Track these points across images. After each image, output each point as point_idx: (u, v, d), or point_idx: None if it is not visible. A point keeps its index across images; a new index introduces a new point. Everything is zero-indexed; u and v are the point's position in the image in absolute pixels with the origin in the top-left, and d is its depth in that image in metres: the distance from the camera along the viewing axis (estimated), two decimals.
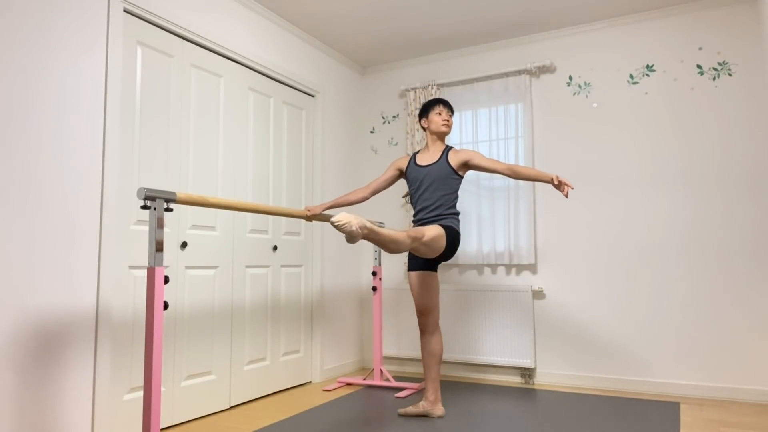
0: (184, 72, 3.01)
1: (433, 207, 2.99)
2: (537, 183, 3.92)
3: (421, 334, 3.02)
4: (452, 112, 3.16)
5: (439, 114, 3.11)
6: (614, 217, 3.68)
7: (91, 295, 2.43)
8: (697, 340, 3.40)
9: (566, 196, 2.76)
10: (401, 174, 3.22)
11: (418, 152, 3.20)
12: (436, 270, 3.03)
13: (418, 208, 3.07)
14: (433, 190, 3.00)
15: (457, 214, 3.04)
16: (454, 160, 3.03)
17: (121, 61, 2.60)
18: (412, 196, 3.13)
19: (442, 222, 2.97)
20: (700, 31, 3.54)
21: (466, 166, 3.04)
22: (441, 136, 3.13)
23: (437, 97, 4.18)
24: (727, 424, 2.78)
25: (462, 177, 3.06)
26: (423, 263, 3.01)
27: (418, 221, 3.06)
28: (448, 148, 3.10)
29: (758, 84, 3.37)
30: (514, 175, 2.90)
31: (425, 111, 3.16)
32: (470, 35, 4.02)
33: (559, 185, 2.77)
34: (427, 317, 2.98)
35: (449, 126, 3.11)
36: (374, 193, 3.27)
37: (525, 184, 3.88)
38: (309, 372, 3.87)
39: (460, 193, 4.12)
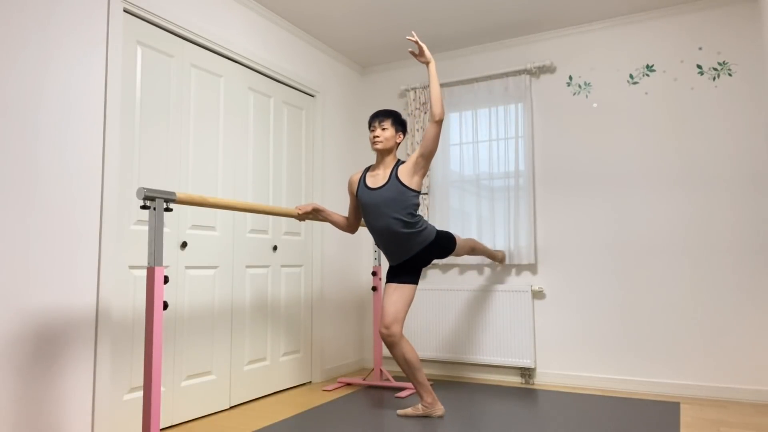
0: (184, 72, 3.01)
1: (402, 239, 2.85)
2: (537, 183, 3.92)
3: (389, 347, 2.86)
4: (391, 119, 2.93)
5: (372, 131, 2.94)
6: (614, 216, 3.68)
7: (91, 295, 2.43)
8: (697, 340, 3.40)
9: (416, 44, 2.77)
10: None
11: (370, 168, 3.01)
12: (417, 283, 2.99)
13: (385, 245, 2.90)
14: (391, 217, 2.83)
15: (424, 220, 2.93)
16: (404, 173, 2.84)
17: (121, 61, 2.60)
18: (368, 223, 2.94)
19: (427, 243, 2.92)
20: (700, 31, 3.54)
21: (419, 167, 2.83)
22: (379, 153, 2.94)
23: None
24: (727, 424, 2.78)
25: (419, 192, 2.86)
26: (410, 278, 2.94)
27: (398, 257, 2.93)
28: (398, 164, 2.90)
29: (758, 84, 3.37)
30: (436, 108, 2.71)
31: None
32: (470, 35, 4.02)
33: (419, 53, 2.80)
34: (392, 330, 2.84)
35: (381, 142, 2.89)
36: (355, 227, 3.17)
37: (529, 185, 3.88)
38: (309, 372, 3.88)
39: (459, 192, 4.12)
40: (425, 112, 4.24)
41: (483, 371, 3.97)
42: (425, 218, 3.76)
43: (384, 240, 2.92)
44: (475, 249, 3.37)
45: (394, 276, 2.97)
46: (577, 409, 3.09)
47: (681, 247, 3.49)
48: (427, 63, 2.80)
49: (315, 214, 3.09)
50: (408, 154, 4.32)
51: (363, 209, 2.96)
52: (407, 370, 2.89)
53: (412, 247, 2.92)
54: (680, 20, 3.60)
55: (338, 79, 4.36)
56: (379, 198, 2.87)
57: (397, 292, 2.91)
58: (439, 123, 2.75)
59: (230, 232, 3.25)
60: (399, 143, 2.98)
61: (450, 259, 4.08)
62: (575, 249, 3.78)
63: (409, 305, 2.91)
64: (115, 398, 2.56)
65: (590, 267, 3.72)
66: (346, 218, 3.17)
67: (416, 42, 2.76)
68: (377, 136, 2.92)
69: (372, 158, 4.56)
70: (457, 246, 3.13)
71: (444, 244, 3.03)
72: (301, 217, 3.04)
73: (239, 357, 3.27)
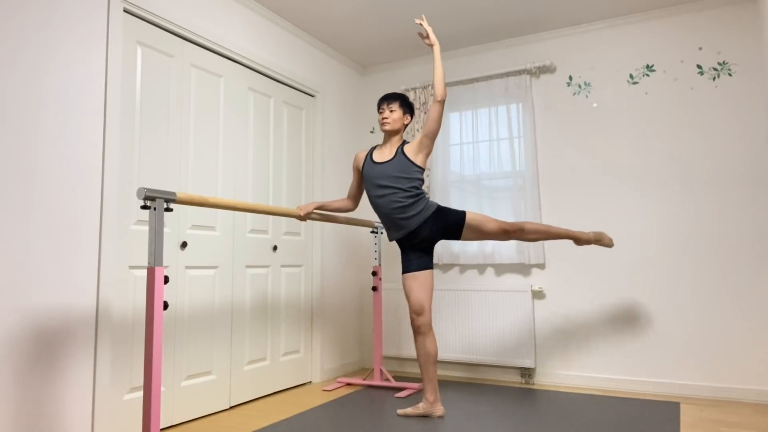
0: (184, 72, 3.01)
1: (404, 209, 2.90)
2: (536, 182, 3.92)
3: (415, 335, 2.95)
4: (399, 102, 3.03)
5: (381, 113, 3.06)
6: (614, 216, 3.68)
7: (91, 295, 2.43)
8: (697, 340, 3.40)
9: (426, 36, 2.93)
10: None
11: (375, 147, 3.12)
12: (432, 268, 3.00)
13: (387, 218, 2.96)
14: (395, 188, 2.91)
15: (426, 197, 2.97)
16: (410, 150, 2.97)
17: (121, 61, 2.60)
18: (371, 198, 3.02)
19: (428, 216, 2.92)
20: (700, 31, 3.54)
21: (423, 146, 2.94)
22: (387, 134, 3.05)
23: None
24: (727, 424, 2.78)
25: (423, 169, 2.96)
26: (423, 263, 2.97)
27: (399, 230, 2.96)
28: (404, 143, 3.04)
29: (758, 84, 3.37)
30: (438, 89, 2.86)
31: None
32: (470, 35, 4.02)
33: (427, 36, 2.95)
34: (423, 317, 2.92)
35: (389, 123, 3.01)
36: (356, 201, 3.27)
37: (529, 184, 3.88)
38: (309, 372, 3.88)
39: (459, 192, 4.12)
40: (425, 112, 4.24)
41: (483, 371, 3.97)
42: None
43: (385, 212, 2.97)
44: (524, 230, 2.99)
45: (407, 264, 2.99)
46: (577, 409, 3.09)
47: (680, 246, 3.49)
48: (432, 45, 2.95)
49: (318, 211, 3.15)
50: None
51: (367, 182, 3.03)
52: (425, 361, 2.92)
53: (413, 219, 2.92)
54: (680, 20, 3.60)
55: (338, 79, 4.36)
56: (385, 171, 2.96)
57: (417, 280, 2.94)
58: (441, 103, 2.89)
59: (230, 232, 3.25)
60: (406, 125, 3.09)
61: (451, 259, 4.08)
62: (575, 249, 3.78)
63: (432, 291, 2.96)
64: (115, 398, 2.56)
65: (590, 267, 3.72)
66: (346, 198, 3.27)
67: (421, 24, 2.94)
68: (386, 118, 3.03)
69: None
70: (468, 220, 2.93)
71: (448, 218, 2.94)
72: (303, 217, 3.07)
73: (239, 357, 3.27)
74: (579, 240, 3.18)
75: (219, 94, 3.24)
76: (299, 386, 3.76)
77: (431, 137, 2.94)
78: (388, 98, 3.06)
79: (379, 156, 3.04)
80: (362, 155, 3.15)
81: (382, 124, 3.04)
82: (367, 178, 3.03)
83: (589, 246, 3.73)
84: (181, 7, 2.97)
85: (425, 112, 4.24)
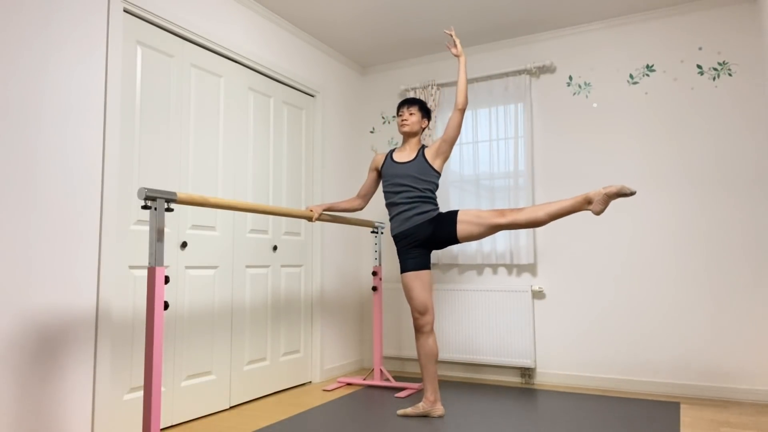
0: (184, 72, 3.01)
1: (412, 206, 3.01)
2: (537, 182, 3.92)
3: (417, 335, 2.99)
4: (418, 106, 3.17)
5: (400, 116, 3.18)
6: (614, 216, 3.68)
7: (91, 295, 2.43)
8: (697, 340, 3.40)
9: (455, 47, 3.05)
10: (380, 172, 3.27)
11: (394, 150, 3.24)
12: (430, 268, 3.07)
13: (396, 211, 3.07)
14: (412, 187, 3.03)
15: (437, 203, 3.10)
16: (429, 154, 3.08)
17: (121, 61, 2.60)
18: (387, 194, 3.14)
19: (430, 218, 2.99)
20: (700, 31, 3.54)
21: (441, 151, 3.06)
22: (406, 136, 3.17)
23: (435, 97, 4.20)
24: (727, 424, 2.78)
25: (439, 174, 3.10)
26: (422, 263, 3.00)
27: (401, 224, 3.05)
28: (423, 147, 3.15)
29: (758, 84, 3.37)
30: (460, 98, 2.98)
31: None
32: (470, 35, 4.02)
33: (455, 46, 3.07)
34: (427, 316, 2.97)
35: (408, 125, 3.13)
36: (366, 200, 3.38)
37: (529, 185, 3.88)
38: (309, 372, 3.88)
39: (460, 193, 4.12)
40: None
41: (483, 371, 3.97)
42: None
43: (397, 206, 3.07)
44: (522, 210, 2.82)
45: (405, 263, 3.02)
46: (577, 409, 3.09)
47: (680, 247, 3.49)
48: (458, 56, 3.06)
49: (327, 212, 3.29)
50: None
51: (386, 180, 3.15)
52: (427, 361, 2.96)
53: (418, 216, 3.01)
54: (680, 20, 3.60)
55: (338, 79, 4.36)
56: (405, 171, 3.08)
57: (419, 279, 2.99)
58: (462, 111, 3.01)
59: (230, 232, 3.25)
60: (424, 128, 3.22)
61: (450, 259, 4.08)
62: (575, 249, 3.78)
63: (431, 290, 3.04)
64: (115, 398, 2.56)
65: (590, 267, 3.72)
66: (356, 198, 3.36)
67: (451, 35, 3.07)
68: (405, 120, 3.16)
69: (370, 158, 4.56)
70: (460, 212, 2.93)
71: (443, 217, 2.98)
72: (314, 219, 3.17)
73: (239, 357, 3.27)
74: (592, 201, 2.71)
75: (219, 94, 3.24)
76: (299, 386, 3.76)
77: (450, 143, 3.06)
78: (408, 102, 3.19)
79: (400, 156, 3.16)
80: (381, 157, 3.28)
81: (402, 126, 3.15)
82: (387, 176, 3.15)
83: (588, 246, 3.73)
84: (181, 7, 2.97)
85: None
